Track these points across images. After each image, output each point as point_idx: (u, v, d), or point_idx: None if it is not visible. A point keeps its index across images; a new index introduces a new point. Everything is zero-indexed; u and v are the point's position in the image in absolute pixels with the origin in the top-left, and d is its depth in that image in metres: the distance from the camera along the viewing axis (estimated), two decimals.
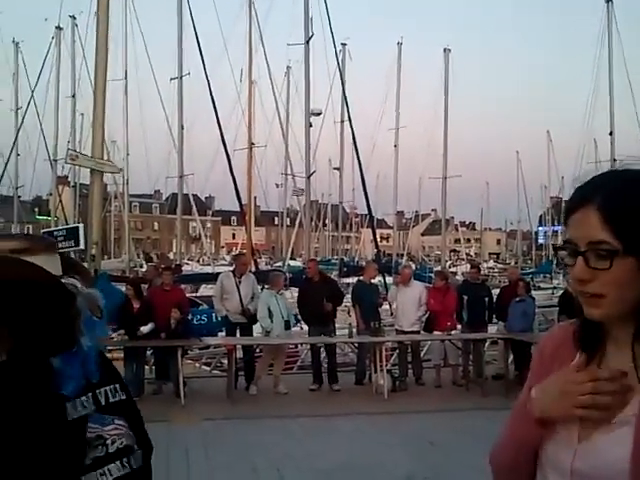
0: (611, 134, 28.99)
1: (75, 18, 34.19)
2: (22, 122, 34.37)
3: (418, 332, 11.71)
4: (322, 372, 11.15)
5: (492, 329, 12.43)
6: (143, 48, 32.33)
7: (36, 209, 67.03)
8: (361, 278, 12.58)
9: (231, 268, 12.02)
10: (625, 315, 1.21)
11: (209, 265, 35.91)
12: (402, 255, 47.55)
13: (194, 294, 20.73)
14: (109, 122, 18.76)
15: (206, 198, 67.89)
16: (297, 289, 16.55)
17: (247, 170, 30.22)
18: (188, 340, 10.85)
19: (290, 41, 28.13)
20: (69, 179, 42.02)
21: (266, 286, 11.53)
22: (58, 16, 33.93)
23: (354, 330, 11.50)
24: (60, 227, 12.08)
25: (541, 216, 66.42)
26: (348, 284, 18.90)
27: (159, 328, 10.15)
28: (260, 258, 39.39)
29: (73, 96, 34.77)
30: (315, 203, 43.43)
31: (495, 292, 13.06)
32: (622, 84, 30.65)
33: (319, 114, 30.48)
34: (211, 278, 19.95)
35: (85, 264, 10.10)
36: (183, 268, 26.11)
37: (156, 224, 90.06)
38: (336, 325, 11.72)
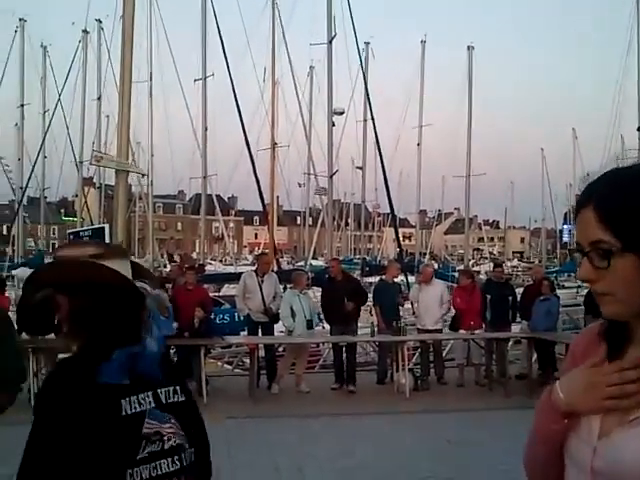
0: (639, 129, 28.66)
1: (101, 22, 34.56)
2: (49, 125, 34.73)
3: (440, 331, 11.70)
4: (344, 371, 11.19)
5: (515, 328, 12.38)
6: (167, 50, 32.55)
7: (62, 210, 67.62)
8: (383, 277, 12.58)
9: (254, 267, 12.08)
10: None
11: (232, 265, 36.04)
12: (425, 254, 47.37)
13: (217, 294, 20.85)
14: (134, 124, 18.93)
15: (229, 198, 68.24)
16: (320, 288, 16.61)
17: (270, 170, 30.29)
18: (211, 339, 10.93)
19: (313, 41, 28.14)
20: (94, 181, 42.38)
21: (289, 285, 11.58)
22: (85, 20, 34.25)
23: (376, 329, 11.52)
24: (86, 227, 12.20)
25: (566, 214, 65.73)
26: (370, 283, 18.90)
27: (182, 327, 10.23)
28: (282, 258, 39.49)
29: (99, 98, 35.11)
30: (337, 202, 43.39)
31: (519, 291, 13.01)
32: None
33: (342, 113, 30.51)
34: (234, 278, 20.04)
35: None
36: (206, 268, 26.21)
37: (179, 224, 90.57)
38: (358, 324, 11.74)
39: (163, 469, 1.97)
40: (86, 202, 38.07)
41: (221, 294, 21.26)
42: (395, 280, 12.41)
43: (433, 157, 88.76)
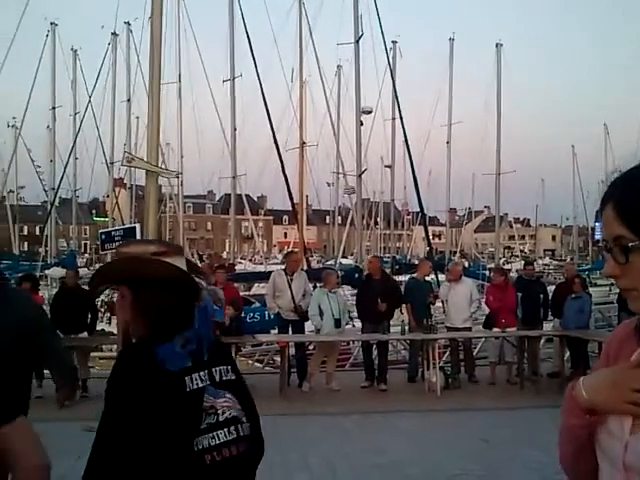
0: None
1: (130, 24, 34.86)
2: (80, 127, 35.06)
3: (470, 329, 11.64)
4: (374, 369, 11.18)
5: (547, 326, 12.29)
6: (196, 51, 32.81)
7: (93, 211, 68.34)
8: (414, 275, 12.56)
9: (284, 266, 12.12)
10: None
11: (261, 264, 36.16)
12: (455, 252, 47.09)
13: (247, 292, 20.96)
14: (164, 125, 19.07)
15: (258, 198, 68.45)
16: (350, 287, 16.59)
17: (299, 169, 30.29)
18: (241, 337, 10.98)
19: (340, 40, 28.10)
20: (125, 181, 42.79)
21: (319, 284, 11.60)
22: (114, 23, 34.61)
23: (407, 327, 11.49)
24: (118, 227, 12.32)
25: (597, 211, 64.98)
26: (400, 282, 18.86)
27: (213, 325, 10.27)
28: (312, 257, 39.51)
29: (129, 100, 35.42)
30: (366, 201, 43.26)
31: (550, 289, 12.91)
32: None
33: (370, 112, 30.34)
34: (264, 277, 20.10)
35: None
36: (236, 267, 26.36)
37: (209, 224, 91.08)
38: (390, 323, 11.72)
39: (220, 439, 2.21)
40: (117, 202, 38.46)
41: (251, 293, 21.39)
42: (426, 278, 12.38)
43: (462, 155, 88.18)
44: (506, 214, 71.33)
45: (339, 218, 45.17)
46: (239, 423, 2.28)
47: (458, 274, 11.84)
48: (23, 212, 47.94)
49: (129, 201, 41.46)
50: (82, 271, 25.72)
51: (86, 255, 53.57)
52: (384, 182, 44.59)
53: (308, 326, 11.36)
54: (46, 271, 27.36)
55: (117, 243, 8.32)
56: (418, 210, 29.68)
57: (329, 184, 43.02)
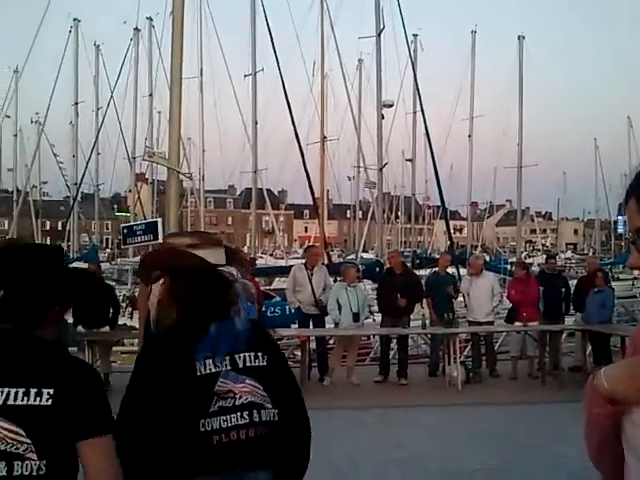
0: None
1: (152, 19, 35.03)
2: (102, 122, 35.35)
3: (492, 323, 11.59)
4: (389, 364, 11.17)
5: (569, 320, 12.21)
6: (217, 45, 32.76)
7: (115, 206, 68.75)
8: (436, 269, 12.53)
9: (304, 260, 12.12)
10: None
11: (282, 258, 36.23)
12: (476, 247, 46.87)
13: (268, 287, 21.00)
14: (185, 119, 19.18)
15: (279, 192, 68.53)
16: (370, 281, 16.55)
17: (320, 163, 30.31)
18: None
19: (361, 34, 28.04)
20: (147, 176, 43.02)
21: (339, 278, 11.59)
22: (136, 18, 34.76)
23: (427, 322, 11.47)
24: (139, 221, 12.39)
25: (620, 205, 64.35)
26: (421, 276, 18.81)
27: None
28: (332, 251, 39.51)
29: (150, 95, 35.61)
30: (387, 195, 43.21)
31: (572, 283, 12.82)
32: None
33: (391, 106, 30.26)
34: (284, 271, 20.13)
35: None
36: (257, 261, 26.45)
37: (230, 219, 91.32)
38: (410, 317, 11.70)
39: (233, 422, 2.34)
40: (139, 197, 38.66)
41: (272, 287, 21.42)
42: (448, 272, 12.34)
43: (484, 148, 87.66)
44: (528, 208, 70.76)
45: (360, 212, 45.16)
46: (255, 408, 2.38)
47: (479, 268, 11.79)
48: (46, 207, 48.30)
49: (151, 196, 41.68)
50: (104, 266, 25.95)
51: (108, 250, 53.91)
52: (405, 176, 44.55)
53: (329, 320, 11.37)
54: (68, 266, 27.56)
55: (139, 237, 8.38)
56: (439, 204, 29.64)
57: (350, 178, 43.01)
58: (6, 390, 1.75)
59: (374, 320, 12.91)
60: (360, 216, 44.71)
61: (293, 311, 11.93)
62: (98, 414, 1.81)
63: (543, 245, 67.29)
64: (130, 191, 40.76)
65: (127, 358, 12.51)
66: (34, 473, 1.74)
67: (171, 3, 9.82)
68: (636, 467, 1.27)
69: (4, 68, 44.16)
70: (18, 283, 1.80)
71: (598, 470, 1.44)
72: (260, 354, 2.43)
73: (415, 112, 32.62)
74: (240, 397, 2.37)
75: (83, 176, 35.90)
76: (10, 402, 1.74)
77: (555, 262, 13.86)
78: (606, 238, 72.62)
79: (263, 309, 11.82)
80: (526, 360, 11.50)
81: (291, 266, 13.71)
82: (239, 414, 2.36)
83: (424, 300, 11.94)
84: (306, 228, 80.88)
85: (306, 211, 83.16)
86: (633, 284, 24.68)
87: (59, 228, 51.67)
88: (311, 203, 27.33)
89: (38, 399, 1.75)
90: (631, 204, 1.23)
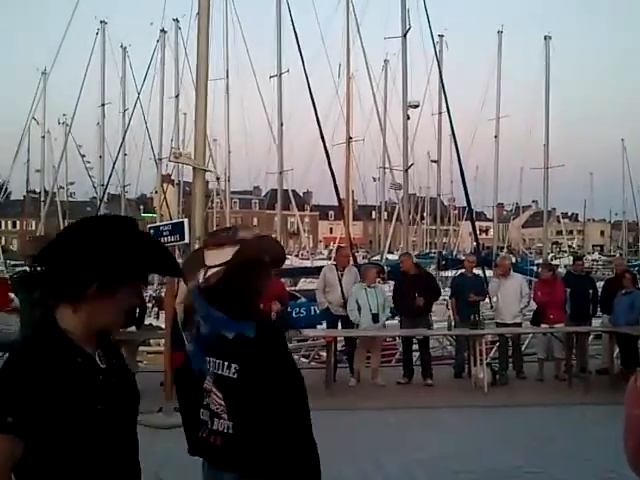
0: None
1: (178, 21, 35.18)
2: (129, 123, 35.59)
3: (520, 325, 11.51)
4: (412, 365, 11.13)
5: (596, 322, 12.10)
6: (243, 47, 32.86)
7: (141, 207, 69.16)
8: (462, 271, 12.48)
9: (330, 262, 12.12)
10: None
11: (308, 259, 36.27)
12: (502, 248, 46.55)
13: (293, 288, 21.02)
14: (211, 121, 19.23)
15: (304, 193, 68.52)
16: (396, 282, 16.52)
17: (345, 164, 30.28)
18: (287, 332, 11.02)
19: (387, 34, 27.91)
20: (173, 177, 43.23)
21: (359, 279, 11.57)
22: (162, 20, 35.03)
23: (453, 323, 11.42)
24: (166, 222, 12.49)
25: None
26: (447, 277, 18.73)
27: None
28: (357, 252, 39.48)
29: (177, 96, 35.74)
30: (413, 196, 43.15)
31: (599, 285, 12.70)
32: None
33: (417, 106, 30.13)
34: (310, 272, 20.19)
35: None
36: None
37: (255, 220, 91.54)
38: (435, 318, 11.64)
39: (205, 419, 2.49)
40: (165, 198, 38.86)
41: (297, 288, 21.44)
42: (474, 273, 12.28)
43: (509, 149, 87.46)
44: (554, 209, 70.20)
45: (385, 213, 45.04)
46: (215, 416, 2.46)
47: (507, 268, 11.72)
48: (72, 208, 48.65)
49: (176, 197, 41.87)
50: None
51: None
52: (430, 177, 44.30)
53: None
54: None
55: (166, 238, 8.41)
56: (465, 205, 29.48)
57: (375, 179, 42.86)
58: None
59: (400, 321, 12.88)
60: (385, 217, 44.62)
61: (318, 312, 11.94)
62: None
63: (569, 247, 66.71)
64: (156, 192, 40.96)
65: (153, 358, 12.60)
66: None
67: (197, 4, 9.87)
68: None
69: (32, 70, 44.65)
70: (59, 257, 1.83)
71: (636, 473, 1.42)
72: (233, 365, 2.41)
73: (441, 113, 32.46)
74: (210, 400, 2.49)
75: (110, 177, 36.22)
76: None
77: (582, 263, 13.75)
78: (633, 240, 71.83)
79: (288, 309, 11.81)
80: (552, 362, 11.40)
81: (316, 267, 13.75)
82: (208, 415, 2.48)
83: (448, 301, 11.89)
84: (331, 229, 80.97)
85: (331, 212, 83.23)
86: None
87: None
88: (336, 204, 27.27)
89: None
90: None
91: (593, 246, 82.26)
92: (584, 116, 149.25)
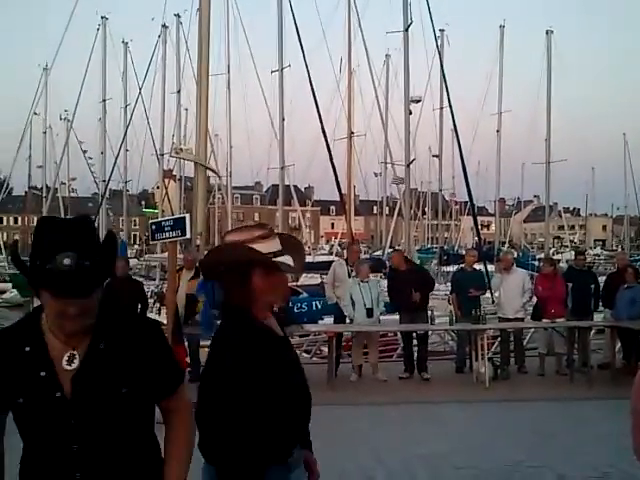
0: None
1: (180, 16, 35.25)
2: (130, 119, 35.64)
3: (522, 319, 11.50)
4: (414, 360, 11.14)
5: (597, 317, 12.09)
6: (245, 42, 32.98)
7: (143, 202, 69.21)
8: (463, 266, 12.47)
9: (332, 257, 12.14)
10: None
11: (309, 255, 36.29)
12: (504, 243, 46.60)
13: (295, 283, 21.03)
14: (212, 116, 19.27)
15: (305, 188, 68.62)
16: None
17: (347, 159, 30.28)
18: (289, 327, 11.02)
19: (389, 29, 27.90)
20: (174, 173, 43.27)
21: (352, 274, 11.55)
22: (163, 15, 35.03)
23: (454, 318, 11.41)
24: (167, 217, 12.52)
25: None
26: (448, 272, 18.72)
27: None
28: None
29: (178, 92, 35.80)
30: (414, 191, 43.05)
31: (601, 279, 12.68)
32: None
33: (419, 101, 30.21)
34: (311, 267, 20.18)
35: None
36: None
37: (257, 215, 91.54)
38: (437, 313, 11.62)
39: None
40: (167, 194, 38.89)
41: (299, 283, 21.45)
42: (475, 268, 12.26)
43: (511, 144, 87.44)
44: (555, 203, 70.24)
45: (387, 208, 45.05)
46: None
47: (510, 263, 11.71)
48: (74, 204, 48.75)
49: (178, 192, 41.93)
50: (132, 262, 26.16)
51: (136, 246, 54.34)
52: (432, 172, 44.38)
53: None
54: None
55: (167, 233, 8.40)
56: (466, 200, 29.47)
57: (377, 174, 42.97)
58: None
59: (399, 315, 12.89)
60: (387, 212, 44.62)
61: (320, 307, 11.95)
62: None
63: (571, 241, 66.70)
64: (158, 188, 41.07)
65: None
66: None
67: (198, 0, 9.86)
68: None
69: (33, 68, 44.69)
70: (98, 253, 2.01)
71: None
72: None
73: (442, 108, 32.46)
74: None
75: (111, 173, 36.28)
76: None
77: (584, 258, 13.73)
78: (635, 234, 71.78)
79: (290, 304, 11.82)
80: (554, 357, 11.40)
81: (318, 262, 13.75)
82: None
83: (449, 297, 11.87)
84: (333, 224, 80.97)
85: (333, 207, 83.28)
86: None
87: None
88: (338, 199, 27.23)
89: None
90: None
91: (595, 241, 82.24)
92: (586, 111, 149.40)
